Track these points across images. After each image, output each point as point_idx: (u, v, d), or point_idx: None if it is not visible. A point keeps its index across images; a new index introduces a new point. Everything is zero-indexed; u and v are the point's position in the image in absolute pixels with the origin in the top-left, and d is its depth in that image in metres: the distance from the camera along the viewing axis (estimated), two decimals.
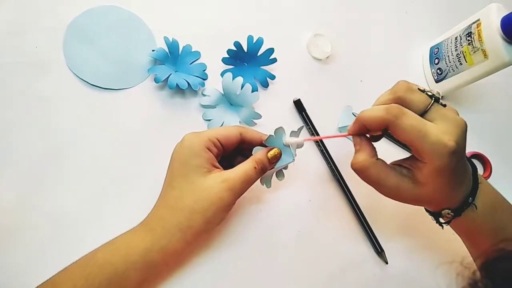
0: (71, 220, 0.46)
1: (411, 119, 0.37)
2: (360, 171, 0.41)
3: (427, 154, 0.37)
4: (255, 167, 0.43)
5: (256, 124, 0.55)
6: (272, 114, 0.56)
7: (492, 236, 0.44)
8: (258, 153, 0.44)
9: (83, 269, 0.39)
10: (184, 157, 0.42)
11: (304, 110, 0.57)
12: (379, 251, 0.53)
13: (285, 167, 0.48)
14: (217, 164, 0.44)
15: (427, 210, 0.47)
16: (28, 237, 0.45)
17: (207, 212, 0.41)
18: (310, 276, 0.51)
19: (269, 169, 0.46)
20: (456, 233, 0.48)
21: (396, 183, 0.40)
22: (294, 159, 0.46)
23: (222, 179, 0.41)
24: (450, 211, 0.43)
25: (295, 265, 0.51)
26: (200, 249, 0.48)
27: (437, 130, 0.37)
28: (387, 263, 0.53)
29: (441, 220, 0.45)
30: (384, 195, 0.43)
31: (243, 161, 0.44)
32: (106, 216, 0.47)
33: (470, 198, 0.42)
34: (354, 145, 0.43)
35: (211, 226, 0.42)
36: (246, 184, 0.43)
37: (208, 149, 0.42)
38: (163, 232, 0.41)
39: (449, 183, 0.40)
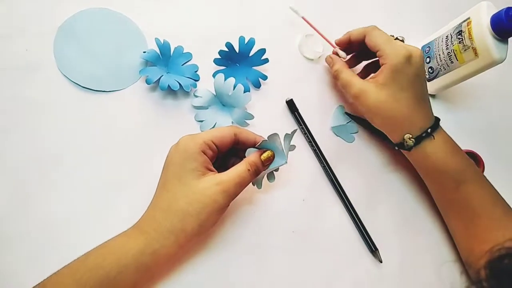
0: (64, 225, 0.46)
1: (382, 31, 0.53)
2: (335, 76, 0.56)
3: (388, 53, 0.49)
4: (248, 169, 0.43)
5: (248, 124, 0.55)
6: (264, 114, 0.56)
7: (454, 176, 0.52)
8: (252, 156, 0.45)
9: (74, 273, 0.38)
10: (179, 160, 0.42)
11: (297, 110, 0.57)
12: (373, 250, 0.53)
13: (277, 169, 0.49)
14: (212, 167, 0.44)
15: (393, 144, 0.54)
16: (20, 243, 0.44)
17: (201, 215, 0.41)
18: (305, 276, 0.51)
19: (262, 171, 0.46)
20: (421, 172, 0.56)
21: (362, 84, 0.52)
22: (286, 161, 0.46)
23: (216, 182, 0.41)
24: (411, 135, 0.51)
25: (289, 265, 0.51)
26: (194, 251, 0.48)
27: (400, 43, 0.51)
28: (381, 261, 0.53)
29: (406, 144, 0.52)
30: (353, 97, 0.53)
31: (237, 161, 0.45)
32: (99, 220, 0.47)
33: (430, 129, 0.51)
34: (330, 62, 0.58)
35: (204, 229, 0.42)
36: (240, 186, 0.43)
37: (203, 152, 0.42)
38: (156, 235, 0.40)
39: (406, 93, 0.50)
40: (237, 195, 0.43)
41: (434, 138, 0.51)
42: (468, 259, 0.48)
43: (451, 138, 0.53)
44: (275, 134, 0.45)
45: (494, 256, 0.38)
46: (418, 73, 0.50)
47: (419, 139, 0.51)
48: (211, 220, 0.42)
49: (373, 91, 0.50)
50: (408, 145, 0.51)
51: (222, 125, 0.53)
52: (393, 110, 0.50)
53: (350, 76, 0.53)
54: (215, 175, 0.42)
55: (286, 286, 0.50)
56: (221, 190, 0.41)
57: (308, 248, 0.52)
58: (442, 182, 0.53)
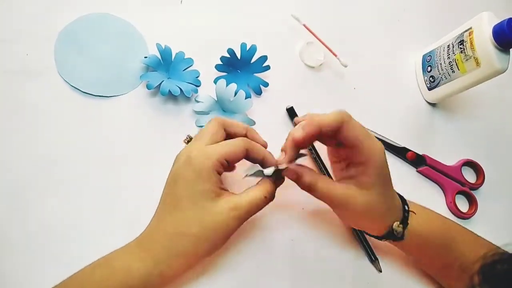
0: (61, 231, 0.45)
1: (357, 121, 0.42)
2: (309, 189, 0.44)
3: (371, 150, 0.42)
4: (265, 197, 0.42)
5: None
6: (265, 121, 0.55)
7: (444, 240, 0.48)
8: (269, 184, 0.43)
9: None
10: (192, 180, 0.40)
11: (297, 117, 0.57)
12: (373, 259, 0.53)
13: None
14: (223, 186, 0.43)
15: (377, 237, 0.48)
16: (18, 247, 0.44)
17: (214, 239, 0.40)
18: (304, 285, 0.50)
19: None
20: (414, 255, 0.51)
21: (344, 191, 0.43)
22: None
23: (230, 207, 0.40)
24: (398, 223, 0.45)
25: (288, 274, 0.50)
26: None
27: (373, 136, 0.43)
28: (381, 271, 0.53)
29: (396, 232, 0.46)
30: (335, 208, 0.45)
31: None
32: (97, 226, 0.46)
33: (406, 206, 0.47)
34: (294, 175, 0.44)
35: (215, 250, 0.42)
36: (253, 213, 0.42)
37: (217, 171, 0.41)
38: (165, 257, 0.40)
39: (388, 186, 0.45)
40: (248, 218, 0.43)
41: (415, 213, 0.47)
42: (462, 265, 0.48)
43: (416, 203, 0.49)
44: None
45: (488, 262, 0.38)
46: (387, 163, 0.45)
47: (405, 222, 0.46)
48: (223, 243, 0.42)
49: (359, 196, 0.43)
50: (399, 232, 0.45)
51: None
52: (382, 208, 0.44)
53: (328, 184, 0.43)
54: (229, 198, 0.41)
55: None
56: (234, 216, 0.40)
57: (307, 256, 0.52)
58: (435, 252, 0.48)
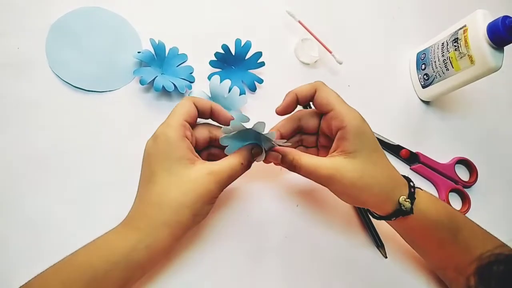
0: (53, 225, 0.45)
1: (331, 89, 0.46)
2: (294, 166, 0.44)
3: (345, 114, 0.43)
4: (242, 163, 0.43)
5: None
6: (259, 118, 0.55)
7: (449, 226, 0.46)
8: (245, 151, 0.44)
9: (60, 273, 0.36)
10: (162, 151, 0.40)
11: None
12: (379, 245, 0.53)
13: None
14: (195, 152, 0.43)
15: (385, 217, 0.46)
16: (8, 242, 0.43)
17: (196, 205, 0.40)
18: (309, 269, 0.50)
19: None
20: (416, 237, 0.49)
21: (330, 162, 0.43)
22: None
23: (207, 171, 0.40)
24: (405, 197, 0.44)
25: (295, 258, 0.50)
26: (187, 251, 0.47)
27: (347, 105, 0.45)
28: (386, 257, 0.53)
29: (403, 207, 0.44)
30: (325, 181, 0.43)
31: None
32: (89, 221, 0.46)
33: (411, 183, 0.46)
34: (276, 156, 0.45)
35: (199, 218, 0.41)
36: (232, 178, 0.42)
37: (184, 136, 0.41)
38: (149, 229, 0.39)
39: (378, 155, 0.44)
40: (227, 186, 0.43)
41: (422, 190, 0.46)
42: (458, 265, 0.48)
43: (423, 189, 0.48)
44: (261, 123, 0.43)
45: (483, 263, 0.38)
46: (372, 131, 0.45)
47: (412, 197, 0.44)
48: (205, 210, 0.42)
49: (346, 165, 0.42)
50: (407, 207, 0.44)
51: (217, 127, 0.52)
52: (376, 176, 0.43)
53: (313, 159, 0.43)
54: (205, 164, 0.41)
55: (290, 278, 0.49)
56: (214, 180, 0.40)
57: (313, 240, 0.52)
58: (440, 238, 0.46)
